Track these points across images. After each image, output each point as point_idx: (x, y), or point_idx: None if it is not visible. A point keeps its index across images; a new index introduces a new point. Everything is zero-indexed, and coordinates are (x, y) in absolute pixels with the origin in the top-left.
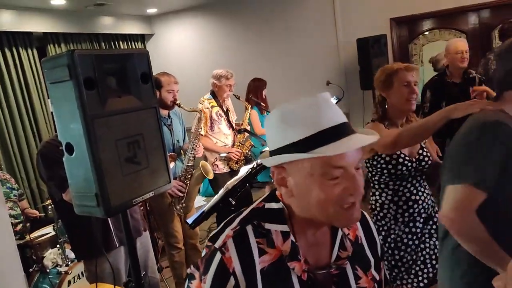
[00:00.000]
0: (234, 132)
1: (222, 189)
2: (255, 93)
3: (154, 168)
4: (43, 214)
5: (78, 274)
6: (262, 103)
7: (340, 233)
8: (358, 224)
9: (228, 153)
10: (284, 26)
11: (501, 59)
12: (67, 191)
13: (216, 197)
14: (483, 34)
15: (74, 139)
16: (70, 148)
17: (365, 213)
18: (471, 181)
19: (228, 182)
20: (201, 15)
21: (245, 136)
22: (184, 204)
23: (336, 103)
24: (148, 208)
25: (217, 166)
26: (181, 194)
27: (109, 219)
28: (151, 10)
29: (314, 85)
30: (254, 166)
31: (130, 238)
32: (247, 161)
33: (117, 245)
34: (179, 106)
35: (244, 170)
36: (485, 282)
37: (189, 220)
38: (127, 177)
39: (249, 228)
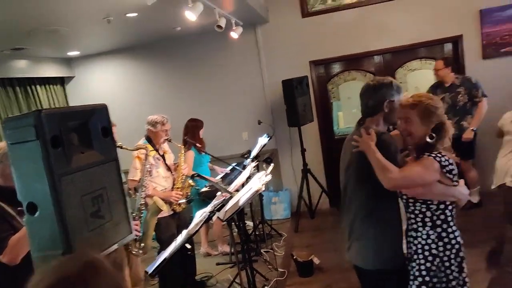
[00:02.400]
0: (173, 174)
1: (184, 235)
2: (192, 134)
3: (116, 220)
4: None
5: None
6: (198, 144)
7: None
8: None
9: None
10: (211, 69)
11: (364, 97)
12: (4, 252)
13: (178, 244)
14: (387, 73)
15: (38, 199)
16: (33, 208)
17: None
18: None
19: (190, 228)
20: (126, 57)
21: (184, 177)
22: (142, 244)
23: (268, 140)
24: None
25: None
26: (138, 233)
27: None
28: (72, 53)
29: (247, 124)
30: (212, 210)
31: None
32: (189, 201)
33: None
34: (121, 147)
35: (199, 215)
36: None
37: (149, 269)
38: (92, 232)
39: None
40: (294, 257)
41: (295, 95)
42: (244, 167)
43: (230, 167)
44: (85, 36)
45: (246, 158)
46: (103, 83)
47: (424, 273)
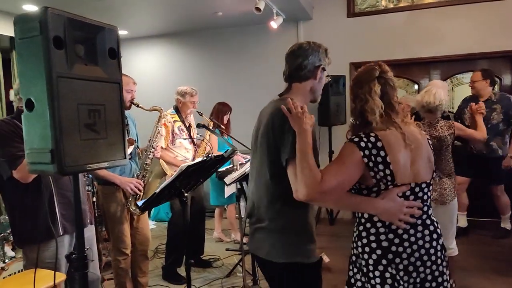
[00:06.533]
0: (195, 147)
1: (177, 170)
2: (217, 116)
3: (112, 141)
4: None
5: (15, 272)
6: (221, 126)
7: None
8: None
9: None
10: (248, 60)
11: (288, 60)
12: (18, 168)
13: (169, 179)
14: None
15: (36, 95)
16: (30, 104)
17: None
18: None
19: (183, 164)
20: (170, 42)
21: (205, 153)
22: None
23: None
24: (99, 210)
25: None
26: (139, 192)
27: (56, 206)
28: (122, 32)
29: None
30: (213, 156)
31: (79, 217)
32: None
33: (61, 233)
34: (138, 106)
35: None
36: None
37: (139, 203)
38: (84, 142)
39: None
40: None
41: (329, 93)
42: None
43: None
44: (132, 14)
45: None
46: (146, 66)
47: None
